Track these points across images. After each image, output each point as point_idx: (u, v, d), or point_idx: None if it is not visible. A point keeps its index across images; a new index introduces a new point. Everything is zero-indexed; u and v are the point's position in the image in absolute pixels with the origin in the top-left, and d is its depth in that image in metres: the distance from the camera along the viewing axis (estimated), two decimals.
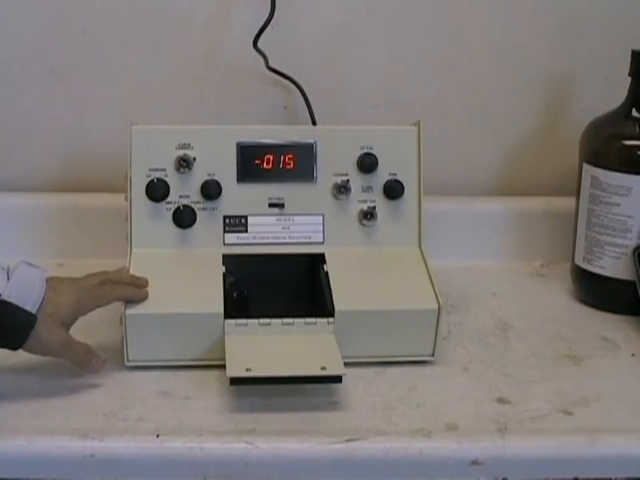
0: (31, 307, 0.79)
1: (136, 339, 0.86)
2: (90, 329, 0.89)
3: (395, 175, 0.97)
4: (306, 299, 0.95)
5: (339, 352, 0.85)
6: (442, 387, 0.86)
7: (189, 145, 0.95)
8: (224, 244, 0.95)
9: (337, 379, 0.82)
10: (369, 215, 0.96)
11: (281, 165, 0.96)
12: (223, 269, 0.92)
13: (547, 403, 0.84)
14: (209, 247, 0.95)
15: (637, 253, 1.00)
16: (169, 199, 0.95)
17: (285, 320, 0.88)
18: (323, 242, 0.96)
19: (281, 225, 0.96)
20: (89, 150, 1.15)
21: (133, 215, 0.94)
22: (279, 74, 1.10)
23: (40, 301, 0.80)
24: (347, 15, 1.13)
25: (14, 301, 0.79)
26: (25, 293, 0.79)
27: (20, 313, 0.79)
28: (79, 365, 0.84)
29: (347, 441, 0.77)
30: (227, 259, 0.93)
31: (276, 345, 0.86)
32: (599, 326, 1.00)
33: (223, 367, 0.82)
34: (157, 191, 0.94)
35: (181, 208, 0.95)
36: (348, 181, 0.97)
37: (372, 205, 0.97)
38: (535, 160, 1.19)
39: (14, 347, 0.80)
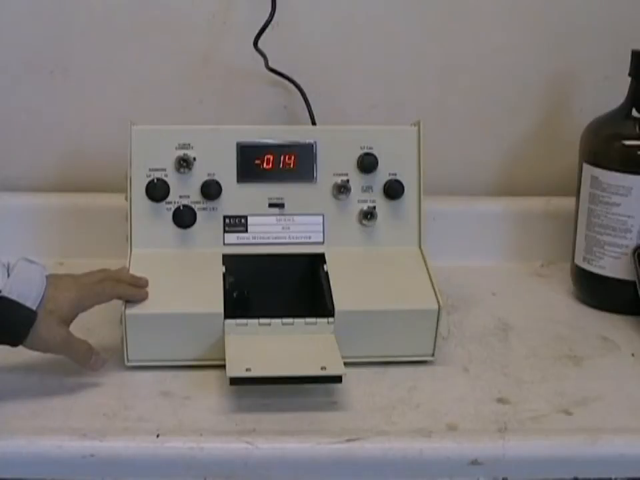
0: (31, 303, 0.79)
1: (136, 339, 0.86)
2: (90, 329, 0.89)
3: (395, 175, 0.97)
4: (306, 298, 0.95)
5: (339, 352, 0.85)
6: (442, 387, 0.86)
7: (189, 145, 0.95)
8: (224, 244, 0.95)
9: (337, 379, 0.82)
10: (369, 214, 0.96)
11: (281, 165, 0.96)
12: (223, 269, 0.92)
13: (547, 403, 0.84)
14: (209, 247, 0.95)
15: (637, 252, 1.00)
16: (169, 198, 0.95)
17: (285, 320, 0.88)
18: (323, 242, 0.96)
19: (280, 225, 0.96)
20: (89, 150, 1.15)
21: (133, 215, 0.94)
22: (278, 74, 1.10)
23: (40, 298, 0.80)
24: (346, 15, 1.13)
25: (14, 297, 0.79)
26: (26, 290, 0.79)
27: (20, 310, 0.79)
28: (79, 362, 0.84)
29: (347, 441, 0.77)
30: (227, 259, 0.93)
31: (276, 344, 0.86)
32: (599, 326, 1.00)
33: (223, 366, 0.82)
34: (157, 191, 0.94)
35: (181, 208, 0.95)
36: (348, 180, 0.97)
37: (372, 205, 0.97)
38: (535, 160, 1.19)
39: (14, 343, 0.80)
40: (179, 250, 0.95)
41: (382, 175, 0.97)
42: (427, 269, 0.94)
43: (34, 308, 0.79)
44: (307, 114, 1.10)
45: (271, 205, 0.96)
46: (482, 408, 0.83)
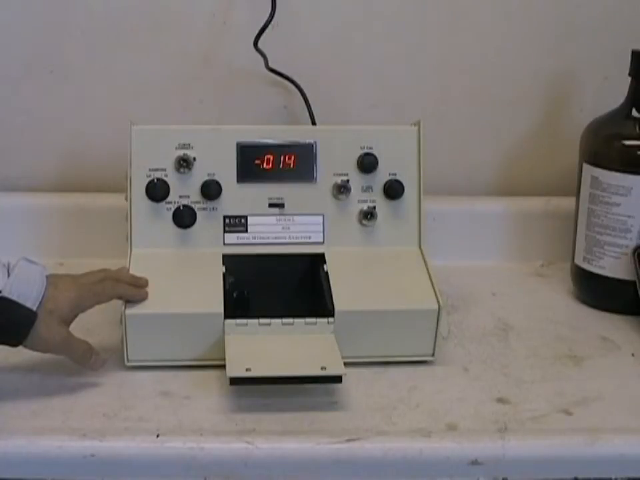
0: (31, 303, 0.79)
1: (136, 338, 0.86)
2: (90, 329, 0.89)
3: (395, 175, 0.97)
4: (306, 299, 0.95)
5: (339, 352, 0.85)
6: (442, 387, 0.86)
7: (189, 145, 0.95)
8: (224, 244, 0.95)
9: (337, 379, 0.82)
10: (369, 214, 0.96)
11: (281, 165, 0.96)
12: (223, 269, 0.92)
13: (547, 403, 0.84)
14: (209, 247, 0.95)
15: (637, 252, 1.00)
16: (168, 198, 0.95)
17: (285, 320, 0.88)
18: (323, 242, 0.96)
19: (280, 225, 0.96)
20: (88, 150, 1.15)
21: (133, 215, 0.94)
22: (278, 74, 1.10)
23: (40, 298, 0.80)
24: (346, 15, 1.13)
25: (14, 297, 0.79)
26: (26, 290, 0.79)
27: (20, 310, 0.79)
28: (79, 362, 0.84)
29: (347, 441, 0.77)
30: (227, 259, 0.93)
31: (276, 345, 0.86)
32: (599, 326, 1.00)
33: (223, 366, 0.82)
34: (157, 191, 0.94)
35: (181, 208, 0.95)
36: (348, 180, 0.97)
37: (372, 205, 0.97)
38: (535, 160, 1.19)
39: (14, 343, 0.80)
40: (179, 250, 0.95)
41: (382, 175, 0.97)
42: (427, 269, 0.94)
43: (34, 308, 0.79)
44: (307, 114, 1.10)
45: (271, 205, 0.96)
46: (482, 408, 0.83)
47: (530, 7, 1.14)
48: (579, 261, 1.05)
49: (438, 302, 0.89)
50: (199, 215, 0.95)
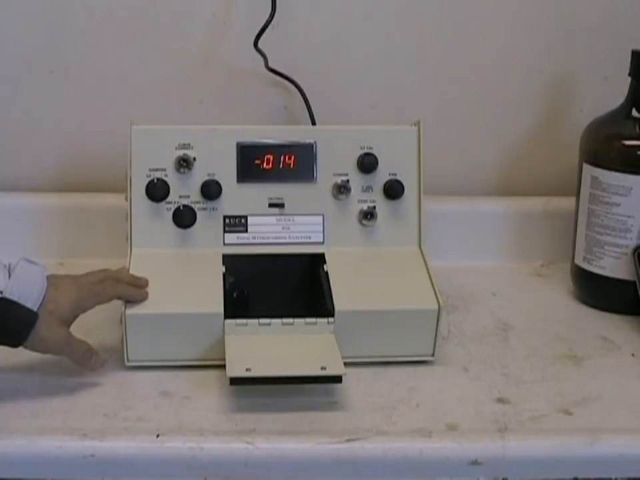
0: (32, 304, 0.79)
1: (136, 339, 0.86)
2: (90, 329, 0.89)
3: (395, 175, 0.97)
4: (306, 299, 0.95)
5: (339, 352, 0.85)
6: (442, 387, 0.86)
7: (189, 145, 0.95)
8: (224, 244, 0.95)
9: (337, 379, 0.82)
10: (369, 214, 0.96)
11: (281, 165, 0.96)
12: (223, 269, 0.92)
13: (547, 403, 0.84)
14: (209, 247, 0.95)
15: (637, 252, 1.00)
16: (168, 198, 0.95)
17: (285, 320, 0.88)
18: (323, 242, 0.96)
19: (280, 225, 0.96)
20: (89, 150, 1.15)
21: (133, 215, 0.94)
22: (278, 74, 1.10)
23: (41, 299, 0.80)
24: (346, 15, 1.13)
25: (15, 298, 0.79)
26: (26, 291, 0.80)
27: (21, 311, 0.79)
28: (79, 363, 0.84)
29: (347, 440, 0.77)
30: (227, 259, 0.93)
31: (276, 345, 0.86)
32: (599, 326, 1.00)
33: (223, 366, 0.82)
34: (157, 191, 0.94)
35: (181, 208, 0.95)
36: (348, 181, 0.97)
37: (372, 205, 0.97)
38: (535, 160, 1.19)
39: (15, 344, 0.80)
40: (179, 250, 0.95)
41: (382, 175, 0.97)
42: (427, 269, 0.94)
43: (34, 309, 0.80)
44: (307, 114, 1.10)
45: (271, 205, 0.96)
46: (482, 408, 0.83)
47: (530, 7, 1.14)
48: (578, 261, 1.05)
49: (438, 302, 0.89)
50: (199, 215, 0.95)
